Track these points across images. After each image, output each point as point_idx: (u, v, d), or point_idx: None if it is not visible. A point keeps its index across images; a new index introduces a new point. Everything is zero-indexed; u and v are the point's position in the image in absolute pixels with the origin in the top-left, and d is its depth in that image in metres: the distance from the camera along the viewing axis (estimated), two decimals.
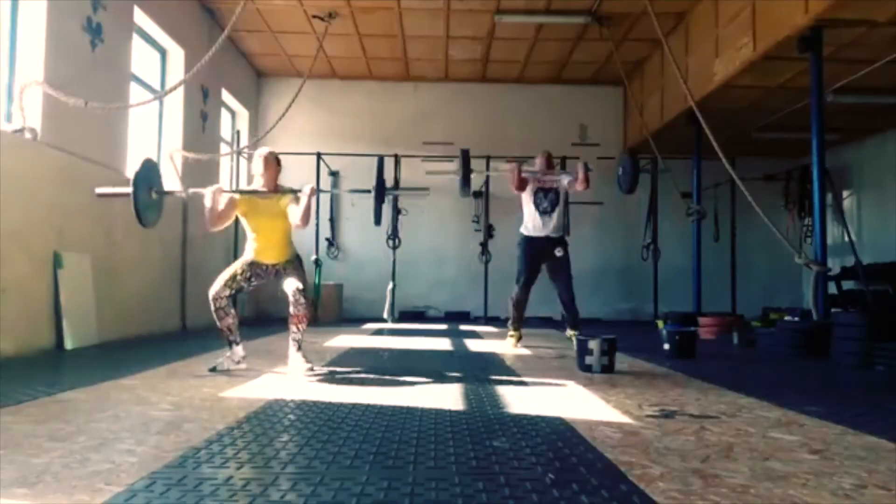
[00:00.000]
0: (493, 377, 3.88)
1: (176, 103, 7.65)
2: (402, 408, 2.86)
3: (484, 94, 11.13)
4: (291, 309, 3.96)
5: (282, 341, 5.06)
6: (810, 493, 1.71)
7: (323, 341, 6.11)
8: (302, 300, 3.94)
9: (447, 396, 3.17)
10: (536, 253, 5.75)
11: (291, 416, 2.65)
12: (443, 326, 8.82)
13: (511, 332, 5.81)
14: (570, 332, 5.73)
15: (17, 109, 4.86)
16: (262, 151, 4.18)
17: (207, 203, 3.99)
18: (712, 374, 4.01)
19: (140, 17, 6.74)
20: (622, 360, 4.52)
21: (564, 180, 5.78)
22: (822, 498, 1.67)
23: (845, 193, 10.44)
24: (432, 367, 4.33)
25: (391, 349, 5.65)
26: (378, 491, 1.69)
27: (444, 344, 6.18)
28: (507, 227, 9.79)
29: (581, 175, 5.57)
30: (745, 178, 6.50)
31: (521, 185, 5.74)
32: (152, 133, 7.50)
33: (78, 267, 5.39)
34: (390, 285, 9.26)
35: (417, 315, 10.43)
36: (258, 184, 4.14)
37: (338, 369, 4.18)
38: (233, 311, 3.98)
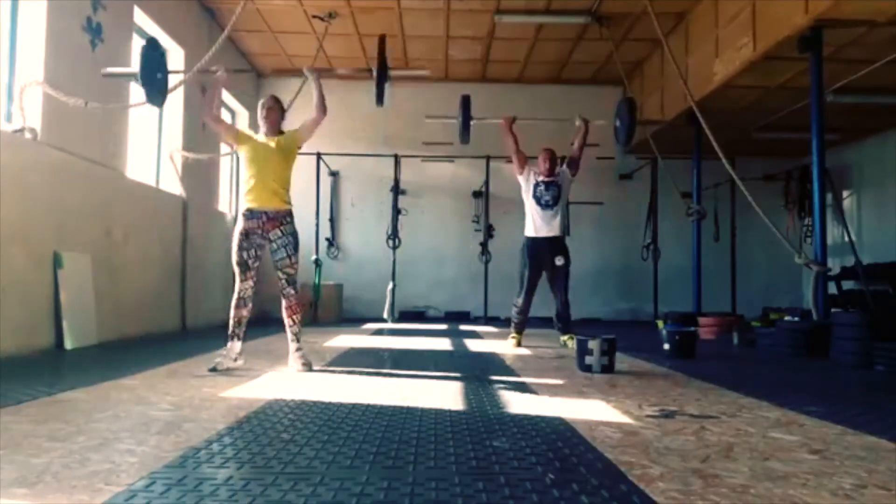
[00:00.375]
0: (493, 377, 3.88)
1: (176, 103, 7.65)
2: (402, 408, 2.86)
3: (484, 94, 11.09)
4: (283, 301, 4.04)
5: (282, 341, 5.06)
6: (810, 493, 1.71)
7: (323, 341, 6.11)
8: (291, 291, 4.01)
9: (447, 396, 3.17)
10: (539, 258, 5.76)
11: (291, 416, 2.65)
12: (443, 326, 8.82)
13: (513, 335, 5.82)
14: (563, 338, 5.76)
15: (17, 109, 4.86)
16: (265, 101, 4.16)
17: (218, 81, 4.08)
18: (712, 374, 4.00)
19: (140, 17, 6.74)
20: (622, 360, 4.52)
21: (566, 171, 5.84)
22: (822, 498, 1.67)
23: (845, 193, 10.44)
24: (432, 368, 4.33)
25: (391, 349, 5.65)
26: (378, 491, 1.69)
27: (444, 344, 6.18)
28: (507, 228, 9.81)
29: (582, 128, 5.69)
30: (745, 178, 6.50)
31: (520, 160, 5.81)
32: (152, 133, 7.50)
33: (78, 267, 5.39)
34: (390, 285, 9.26)
35: (417, 315, 10.43)
36: (262, 131, 4.13)
37: (338, 369, 4.18)
38: (251, 304, 4.05)
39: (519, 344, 5.78)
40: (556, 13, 8.32)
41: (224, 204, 9.47)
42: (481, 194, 10.51)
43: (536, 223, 5.75)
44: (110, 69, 4.38)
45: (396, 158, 9.97)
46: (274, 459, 1.99)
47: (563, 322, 5.81)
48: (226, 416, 2.63)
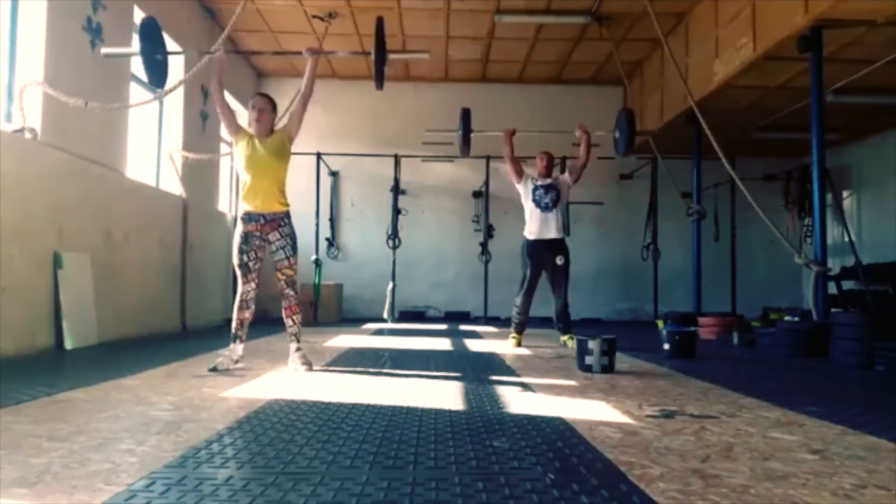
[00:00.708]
0: (493, 377, 3.87)
1: (176, 103, 7.66)
2: (402, 408, 2.86)
3: (484, 94, 11.12)
4: (283, 302, 4.05)
5: (282, 341, 5.06)
6: (810, 493, 1.71)
7: (323, 341, 6.11)
8: (291, 292, 4.02)
9: (447, 396, 3.16)
10: (539, 259, 5.77)
11: (291, 416, 2.65)
12: (443, 326, 8.82)
13: (513, 335, 5.83)
14: (563, 338, 5.78)
15: (17, 109, 4.86)
16: (254, 102, 4.17)
17: (215, 62, 4.10)
18: (712, 374, 4.01)
19: (140, 17, 6.72)
20: (622, 361, 4.52)
21: (566, 177, 5.84)
22: (823, 498, 1.67)
23: (845, 193, 10.44)
24: (432, 368, 4.33)
25: (391, 349, 5.65)
26: (378, 491, 1.69)
27: (444, 344, 6.18)
28: (507, 228, 9.81)
29: (584, 139, 5.65)
30: (745, 178, 6.50)
31: (517, 167, 5.82)
32: (152, 133, 7.50)
33: (78, 267, 5.39)
34: (390, 285, 9.26)
35: (417, 315, 10.43)
36: (254, 132, 4.12)
37: (338, 369, 4.18)
38: (253, 307, 4.05)
39: (519, 344, 5.78)
40: (556, 13, 8.33)
41: (224, 204, 9.47)
42: (481, 194, 10.51)
43: (536, 225, 5.76)
44: (110, 49, 4.37)
45: (396, 158, 9.97)
46: (274, 459, 1.99)
47: (564, 322, 5.82)
48: (226, 416, 2.63)
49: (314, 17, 8.46)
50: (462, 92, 11.08)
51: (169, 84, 4.84)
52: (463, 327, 8.71)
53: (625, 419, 2.64)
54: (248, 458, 2.00)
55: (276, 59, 10.22)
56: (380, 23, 4.37)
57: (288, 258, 4.03)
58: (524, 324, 5.87)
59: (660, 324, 7.83)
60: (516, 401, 3.05)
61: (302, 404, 2.92)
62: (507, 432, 2.39)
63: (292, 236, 4.07)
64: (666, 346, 5.10)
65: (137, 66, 6.79)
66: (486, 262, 10.32)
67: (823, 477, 1.85)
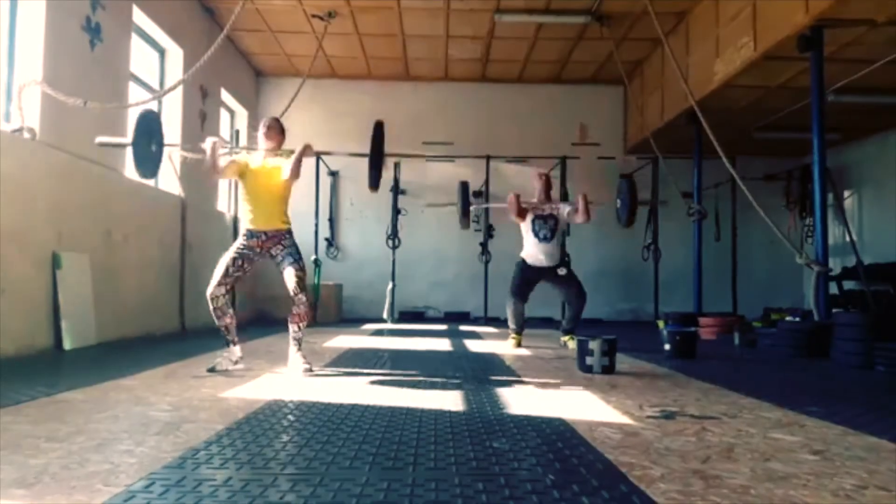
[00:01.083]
0: (493, 378, 3.87)
1: (175, 103, 7.65)
2: (401, 408, 2.85)
3: (484, 93, 11.12)
4: (293, 308, 3.99)
5: (282, 341, 5.05)
6: (811, 493, 1.70)
7: (322, 342, 6.11)
8: (303, 298, 3.97)
9: (447, 397, 3.16)
10: (533, 276, 5.81)
11: (291, 417, 2.64)
12: (442, 327, 8.81)
13: (512, 335, 5.82)
14: (564, 339, 5.79)
15: (15, 109, 4.85)
16: (267, 121, 4.18)
17: (208, 152, 4.01)
18: (713, 375, 4.00)
19: (139, 17, 6.74)
20: (622, 361, 4.52)
21: (564, 210, 5.79)
22: (823, 498, 1.67)
23: (846, 193, 10.43)
24: (432, 368, 4.33)
25: (391, 350, 5.65)
26: (378, 492, 1.69)
27: (443, 344, 6.18)
28: (507, 227, 9.76)
29: (581, 206, 5.56)
30: (745, 178, 6.50)
31: (521, 213, 5.77)
32: None
33: (77, 267, 5.38)
34: (390, 285, 9.25)
35: (417, 315, 10.43)
36: (261, 151, 4.13)
37: (337, 370, 4.17)
38: (230, 311, 3.98)
39: (519, 344, 5.78)
40: (556, 13, 8.32)
41: (223, 204, 9.46)
42: (481, 194, 10.50)
43: (533, 253, 5.78)
44: (103, 139, 4.32)
45: (396, 158, 9.95)
46: (273, 460, 1.99)
47: (572, 325, 5.80)
48: (225, 416, 2.62)
49: (314, 16, 8.45)
50: (462, 91, 11.09)
51: (168, 84, 4.83)
52: (463, 328, 8.70)
53: (625, 420, 2.64)
54: (247, 459, 1.99)
55: (274, 58, 10.21)
56: (378, 127, 4.31)
57: (296, 261, 4.02)
58: (523, 324, 5.87)
59: (660, 324, 7.82)
60: (516, 401, 3.05)
61: (301, 405, 2.91)
62: (507, 433, 2.39)
63: (296, 247, 4.09)
64: (666, 347, 5.09)
65: (137, 66, 6.83)
66: (486, 263, 10.31)
67: (824, 477, 1.84)
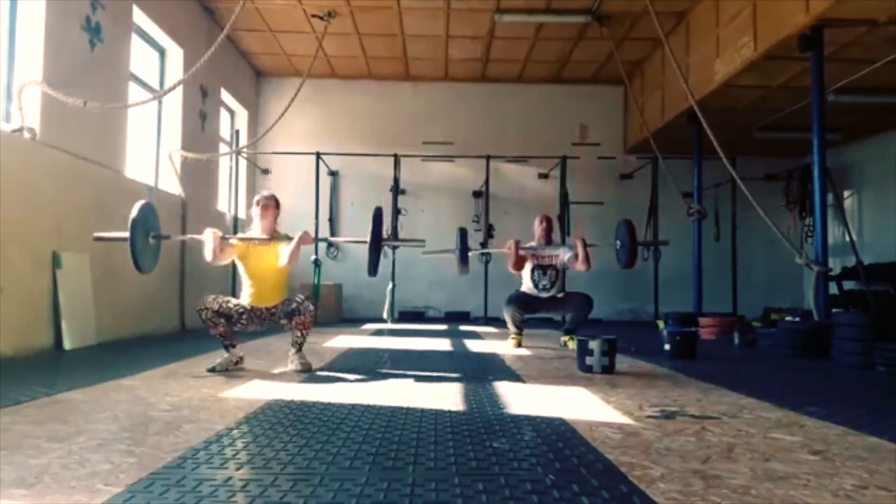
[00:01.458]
0: (493, 377, 3.87)
1: (175, 103, 7.65)
2: (401, 408, 2.85)
3: (484, 93, 11.12)
4: (297, 318, 4.00)
5: (281, 342, 5.05)
6: (811, 493, 1.70)
7: (322, 342, 6.11)
8: (311, 307, 3.99)
9: (447, 397, 3.16)
10: (532, 302, 5.81)
11: (291, 417, 2.64)
12: (443, 327, 8.81)
13: (513, 335, 5.81)
14: (564, 339, 5.78)
15: (15, 109, 4.85)
16: (263, 194, 4.23)
17: (208, 245, 4.08)
18: (713, 375, 4.00)
19: (139, 17, 6.73)
20: (622, 361, 4.52)
21: (564, 256, 5.74)
22: (823, 499, 1.67)
23: (846, 193, 10.42)
24: (432, 368, 4.33)
25: (391, 350, 5.64)
26: (377, 492, 1.69)
27: (443, 344, 6.18)
28: (507, 227, 9.79)
29: (581, 255, 5.51)
30: (745, 178, 6.48)
31: (519, 263, 5.75)
32: (151, 133, 7.50)
33: (77, 267, 5.38)
34: (390, 285, 9.25)
35: (417, 315, 10.42)
36: (256, 228, 4.16)
37: (337, 370, 4.17)
38: (222, 320, 3.96)
39: (519, 344, 5.77)
40: (555, 12, 8.31)
41: (223, 204, 9.46)
42: (481, 194, 10.49)
43: (532, 293, 5.79)
44: (101, 234, 4.35)
45: (396, 158, 9.96)
46: (273, 460, 1.99)
47: (574, 326, 5.79)
48: (225, 416, 2.62)
49: (313, 16, 8.45)
50: (462, 91, 11.09)
51: (168, 84, 4.83)
52: (463, 328, 8.70)
53: (625, 420, 2.64)
54: (247, 459, 1.99)
55: (274, 58, 10.21)
56: (378, 214, 4.34)
57: (298, 301, 4.05)
58: (523, 325, 5.86)
59: (660, 324, 7.82)
60: (516, 401, 3.05)
61: (301, 405, 2.91)
62: (507, 433, 2.39)
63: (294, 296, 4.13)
64: (667, 347, 5.09)
65: (137, 66, 6.82)
66: (487, 263, 10.30)
67: (824, 478, 1.84)
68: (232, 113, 10.23)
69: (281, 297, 4.11)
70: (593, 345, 4.05)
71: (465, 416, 2.71)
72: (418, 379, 3.78)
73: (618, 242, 5.65)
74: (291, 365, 4.01)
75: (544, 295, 5.76)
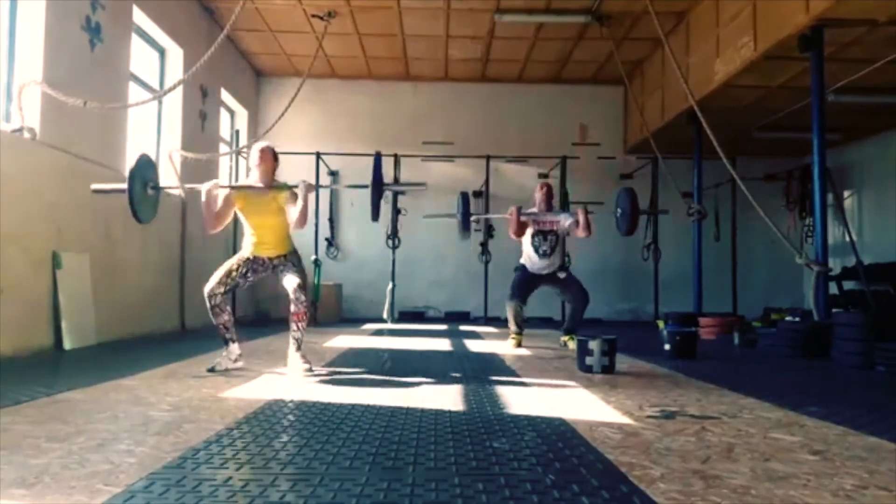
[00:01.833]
0: (493, 377, 3.87)
1: (175, 103, 7.64)
2: (401, 408, 2.85)
3: (484, 93, 11.12)
4: (292, 307, 3.99)
5: (282, 341, 5.05)
6: (811, 493, 1.70)
7: (322, 342, 6.11)
8: (302, 298, 3.97)
9: (447, 397, 3.16)
10: (533, 281, 5.82)
11: (291, 417, 2.64)
12: (443, 327, 8.81)
13: (513, 335, 5.81)
14: (564, 339, 5.78)
15: (15, 109, 4.85)
16: (260, 144, 4.21)
17: (203, 198, 4.01)
18: (713, 375, 4.00)
19: (139, 17, 6.73)
20: (622, 361, 4.51)
21: (565, 222, 5.75)
22: (823, 499, 1.67)
23: (846, 193, 10.43)
24: (432, 368, 4.33)
25: (391, 349, 5.64)
26: (377, 492, 1.69)
27: (443, 344, 6.18)
28: (507, 227, 9.78)
29: (582, 221, 5.53)
30: (745, 178, 6.49)
31: (521, 229, 5.74)
32: (151, 133, 7.49)
33: (76, 267, 5.38)
34: (390, 285, 9.25)
35: (417, 315, 10.42)
36: (254, 176, 4.16)
37: (337, 370, 4.17)
38: (228, 308, 4.01)
39: (519, 344, 5.77)
40: (556, 12, 8.31)
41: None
42: (481, 194, 10.50)
43: (533, 261, 5.79)
44: (99, 186, 4.34)
45: (396, 158, 9.95)
46: (273, 460, 1.99)
47: (574, 325, 5.80)
48: (225, 416, 2.62)
49: (313, 16, 8.45)
50: (462, 91, 11.09)
51: (168, 84, 4.83)
52: (463, 327, 8.70)
53: (625, 420, 2.64)
54: (247, 459, 1.99)
55: (274, 58, 10.21)
56: (377, 159, 4.49)
57: (296, 266, 4.09)
58: (523, 324, 5.86)
59: (660, 324, 7.82)
60: (516, 401, 3.05)
61: (301, 405, 2.91)
62: (507, 433, 2.39)
63: (299, 260, 4.17)
64: (666, 347, 5.09)
65: (136, 66, 6.82)
66: (487, 262, 10.31)
67: (824, 478, 1.84)
68: (232, 113, 10.23)
69: (284, 247, 4.12)
70: (593, 345, 4.05)
71: (465, 416, 2.71)
72: (418, 379, 3.78)
73: (618, 210, 5.67)
74: (291, 365, 4.01)
75: (545, 264, 5.73)
